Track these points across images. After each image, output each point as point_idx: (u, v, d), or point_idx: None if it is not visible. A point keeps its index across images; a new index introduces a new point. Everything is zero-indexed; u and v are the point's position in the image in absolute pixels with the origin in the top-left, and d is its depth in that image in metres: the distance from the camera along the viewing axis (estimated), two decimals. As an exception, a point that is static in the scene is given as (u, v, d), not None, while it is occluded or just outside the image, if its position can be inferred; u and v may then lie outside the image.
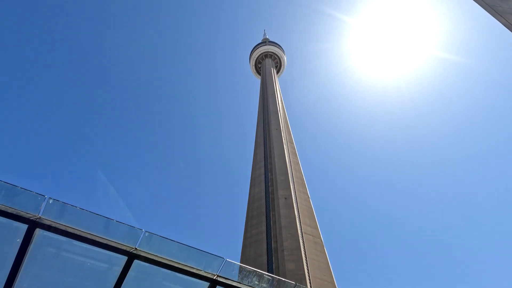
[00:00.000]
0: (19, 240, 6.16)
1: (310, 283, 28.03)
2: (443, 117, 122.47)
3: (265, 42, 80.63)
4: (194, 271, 6.63)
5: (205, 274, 6.71)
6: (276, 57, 79.13)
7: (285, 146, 46.54)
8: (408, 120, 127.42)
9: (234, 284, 6.76)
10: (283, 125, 52.10)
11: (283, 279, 7.45)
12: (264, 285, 6.97)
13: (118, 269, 6.78)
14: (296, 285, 7.11)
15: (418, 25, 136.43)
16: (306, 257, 31.08)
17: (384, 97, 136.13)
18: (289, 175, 42.20)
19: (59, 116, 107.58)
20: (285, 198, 38.45)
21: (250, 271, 7.01)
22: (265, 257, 31.92)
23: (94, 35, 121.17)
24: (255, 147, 50.19)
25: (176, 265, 6.57)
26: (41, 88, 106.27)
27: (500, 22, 18.37)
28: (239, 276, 6.93)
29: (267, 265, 30.26)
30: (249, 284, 6.84)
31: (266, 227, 35.90)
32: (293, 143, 49.83)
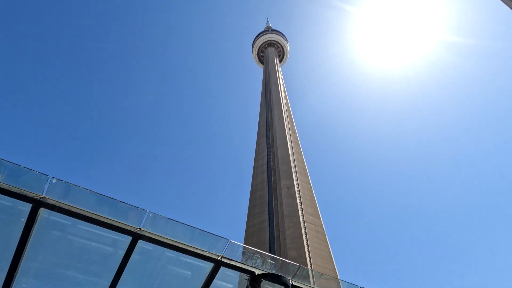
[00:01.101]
0: (24, 220, 6.16)
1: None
2: (456, 105, 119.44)
3: (268, 30, 79.50)
4: (199, 251, 6.64)
5: (209, 255, 6.71)
6: (279, 46, 78.14)
7: (287, 136, 46.37)
8: (416, 108, 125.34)
9: (238, 265, 6.77)
10: (285, 114, 51.82)
11: (286, 260, 7.46)
12: (268, 266, 6.98)
13: (123, 250, 6.80)
14: (300, 266, 7.12)
15: (423, 10, 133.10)
16: (308, 246, 31.35)
17: (391, 86, 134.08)
18: (292, 164, 42.19)
19: (61, 106, 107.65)
20: (288, 188, 38.55)
21: (254, 253, 7.02)
22: (267, 245, 32.22)
23: (97, 21, 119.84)
24: (257, 137, 50.06)
25: (180, 245, 6.57)
26: (40, 81, 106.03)
27: (508, 6, 17.92)
28: (243, 257, 6.94)
29: (270, 252, 30.56)
30: (253, 265, 6.85)
31: (269, 216, 36.13)
32: (295, 133, 49.64)
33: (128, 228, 6.44)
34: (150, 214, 6.45)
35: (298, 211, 34.27)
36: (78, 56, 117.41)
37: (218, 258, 6.77)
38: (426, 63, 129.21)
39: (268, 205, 37.06)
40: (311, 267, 28.04)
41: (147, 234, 6.46)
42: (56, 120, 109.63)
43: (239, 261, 6.87)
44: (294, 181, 38.65)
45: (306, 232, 32.63)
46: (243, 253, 7.12)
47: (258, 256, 7.07)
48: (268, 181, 40.09)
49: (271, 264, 7.37)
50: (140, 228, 6.50)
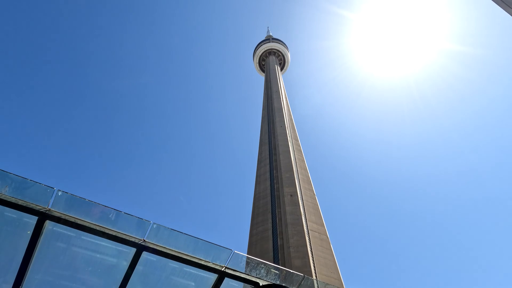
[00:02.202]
0: (30, 232, 6.23)
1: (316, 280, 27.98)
2: (457, 114, 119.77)
3: (269, 39, 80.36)
4: (202, 262, 6.65)
5: (213, 266, 6.72)
6: (280, 54, 78.86)
7: (290, 143, 46.42)
8: (417, 114, 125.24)
9: (242, 275, 6.76)
10: (287, 122, 51.97)
11: (291, 271, 7.43)
12: (272, 276, 6.96)
13: (127, 261, 6.83)
14: (304, 277, 7.08)
15: (424, 18, 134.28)
16: (312, 254, 31.04)
17: (391, 92, 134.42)
18: (295, 172, 42.11)
19: (64, 112, 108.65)
20: (291, 195, 38.39)
21: (258, 263, 7.00)
22: (271, 254, 31.94)
23: (96, 30, 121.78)
24: (259, 144, 50.15)
25: (184, 256, 6.59)
26: (40, 85, 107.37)
27: (509, 13, 18.05)
28: (247, 268, 6.93)
29: (274, 261, 30.27)
30: (257, 276, 6.84)
31: (272, 224, 35.90)
32: (298, 140, 49.68)
33: (133, 239, 6.48)
34: (154, 225, 6.50)
35: (301, 219, 34.05)
36: (82, 62, 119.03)
37: (222, 269, 6.77)
38: (425, 69, 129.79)
39: (271, 213, 36.87)
40: (315, 276, 27.72)
41: (151, 246, 6.50)
42: (58, 128, 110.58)
43: (243, 271, 6.86)
44: (297, 188, 38.51)
45: (310, 240, 32.36)
46: (247, 263, 7.11)
47: (262, 266, 7.06)
48: (271, 189, 39.96)
49: (275, 274, 7.35)
50: (144, 240, 6.54)
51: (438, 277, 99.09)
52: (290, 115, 55.53)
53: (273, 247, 32.82)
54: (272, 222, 36.15)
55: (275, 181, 41.29)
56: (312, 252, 31.17)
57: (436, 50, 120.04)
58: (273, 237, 34.22)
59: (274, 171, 42.75)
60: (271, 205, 38.39)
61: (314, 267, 28.91)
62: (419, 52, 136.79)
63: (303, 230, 32.99)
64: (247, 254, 34.82)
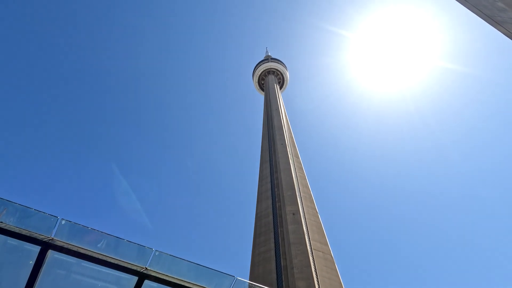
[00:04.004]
0: (32, 262, 6.22)
1: (322, 301, 27.19)
2: (451, 127, 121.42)
3: (268, 59, 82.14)
4: (205, 290, 6.57)
5: (216, 293, 6.64)
6: (279, 73, 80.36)
7: (291, 161, 46.42)
8: (415, 131, 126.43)
9: (245, 303, 6.66)
10: (288, 139, 52.21)
11: (294, 297, 7.30)
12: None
13: (129, 289, 6.75)
14: (308, 303, 6.96)
15: (418, 36, 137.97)
16: (317, 275, 30.30)
17: (389, 109, 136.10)
18: (296, 190, 41.84)
19: (63, 127, 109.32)
20: (293, 214, 37.95)
21: (261, 289, 6.92)
22: (274, 275, 31.21)
23: (99, 46, 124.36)
24: (260, 162, 50.13)
25: (186, 284, 6.52)
26: (45, 94, 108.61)
27: (501, 32, 18.57)
28: (250, 294, 6.83)
29: (277, 283, 29.53)
30: (261, 303, 6.73)
31: (275, 244, 35.28)
32: (298, 158, 49.69)
33: (134, 268, 6.45)
34: (157, 253, 6.48)
35: (304, 238, 33.49)
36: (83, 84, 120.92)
37: (225, 297, 6.68)
38: (421, 85, 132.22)
39: (274, 233, 36.29)
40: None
41: (153, 274, 6.46)
42: (59, 155, 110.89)
43: (246, 298, 6.76)
44: (299, 206, 38.12)
45: (314, 260, 31.68)
46: (250, 289, 7.02)
47: (265, 292, 6.95)
48: (273, 207, 39.55)
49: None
50: (146, 268, 6.50)
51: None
52: (290, 132, 55.85)
53: (277, 268, 32.09)
54: (275, 242, 35.54)
55: (276, 199, 40.95)
56: (316, 272, 30.45)
57: (430, 67, 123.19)
58: (276, 257, 33.53)
59: (276, 189, 42.50)
60: (273, 224, 37.86)
61: (319, 288, 28.13)
62: (414, 69, 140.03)
63: (307, 250, 32.37)
64: (250, 275, 33.97)
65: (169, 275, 6.50)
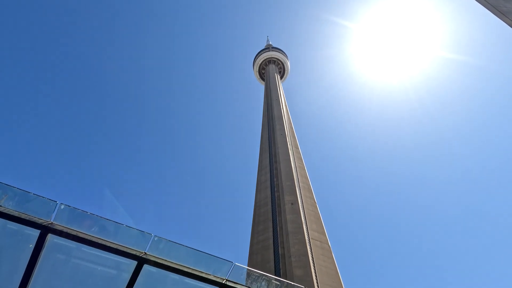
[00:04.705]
0: (32, 246, 6.27)
1: (318, 289, 27.71)
2: (453, 119, 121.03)
3: (269, 48, 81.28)
4: (204, 275, 6.66)
5: (214, 279, 6.73)
6: (280, 63, 79.64)
7: (290, 151, 46.47)
8: (417, 123, 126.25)
9: (243, 288, 6.77)
10: (288, 130, 52.13)
11: (292, 283, 7.42)
12: (273, 289, 6.96)
13: (128, 274, 6.84)
14: (305, 289, 7.08)
15: (421, 27, 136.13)
16: (314, 263, 30.78)
17: (391, 100, 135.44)
18: (295, 180, 42.04)
19: (60, 124, 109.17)
20: (292, 204, 38.26)
21: (259, 275, 7.01)
22: (272, 263, 31.69)
23: (96, 41, 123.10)
24: (260, 152, 50.23)
25: (185, 269, 6.61)
26: (44, 93, 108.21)
27: (505, 22, 18.29)
28: (248, 280, 6.93)
29: (275, 271, 30.01)
30: (258, 288, 6.84)
31: (273, 233, 35.71)
32: (298, 148, 49.74)
33: (134, 252, 6.51)
34: (156, 238, 6.54)
35: (303, 228, 33.87)
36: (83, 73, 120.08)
37: (223, 282, 6.78)
38: (423, 76, 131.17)
39: (272, 222, 36.69)
40: (317, 286, 27.44)
41: (152, 259, 6.53)
42: (59, 141, 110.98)
43: (244, 284, 6.86)
44: (298, 196, 38.41)
45: (311, 249, 32.12)
46: (248, 275, 7.12)
47: (264, 278, 7.06)
48: (271, 197, 39.87)
49: (277, 286, 7.34)
50: (145, 253, 6.57)
51: (444, 283, 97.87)
52: (290, 123, 55.77)
53: (274, 257, 32.56)
54: (273, 231, 35.95)
55: (275, 189, 41.22)
56: (313, 261, 30.91)
57: (431, 57, 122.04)
58: (274, 246, 33.99)
59: (275, 179, 42.72)
60: (272, 214, 38.23)
61: (316, 276, 28.63)
62: (416, 59, 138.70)
63: (304, 239, 32.79)
64: (248, 263, 34.53)
65: (168, 260, 6.58)
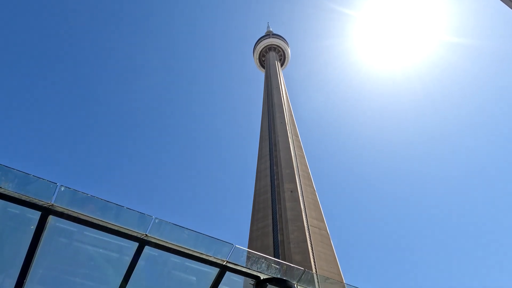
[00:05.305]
0: (33, 227, 6.29)
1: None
2: (460, 107, 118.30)
3: (269, 34, 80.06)
4: (204, 257, 6.73)
5: (214, 260, 6.80)
6: (280, 50, 78.60)
7: (290, 139, 46.45)
8: (420, 109, 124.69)
9: (244, 269, 6.85)
10: (288, 118, 51.95)
11: (291, 265, 7.51)
12: (273, 271, 7.05)
13: (129, 256, 6.90)
14: (305, 271, 7.17)
15: (424, 10, 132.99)
16: (312, 250, 31.23)
17: (393, 87, 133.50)
18: (295, 168, 42.18)
19: (59, 110, 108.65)
20: (291, 192, 38.52)
21: (259, 257, 7.09)
22: (271, 249, 32.15)
23: (92, 26, 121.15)
24: (260, 140, 50.20)
25: (186, 251, 6.66)
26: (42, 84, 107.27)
27: (509, 7, 17.93)
28: (248, 262, 7.01)
29: (274, 257, 30.50)
30: (258, 270, 6.92)
31: (273, 220, 36.09)
32: (298, 136, 49.69)
33: (135, 234, 6.55)
34: (156, 220, 6.57)
35: (302, 215, 34.21)
36: (82, 57, 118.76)
37: (224, 263, 6.85)
38: (427, 63, 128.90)
39: (272, 209, 37.05)
40: (316, 271, 27.93)
41: (153, 240, 6.57)
42: (59, 125, 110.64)
43: (244, 266, 6.94)
44: (298, 184, 38.63)
45: (310, 236, 32.54)
46: (248, 257, 7.19)
47: (263, 260, 7.14)
48: (271, 185, 40.11)
49: (276, 268, 7.43)
50: (146, 234, 6.61)
51: (438, 273, 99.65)
52: (290, 111, 55.50)
53: (274, 243, 33.01)
54: (273, 218, 36.32)
55: (275, 177, 41.41)
56: (312, 247, 31.36)
57: (436, 42, 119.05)
58: (273, 233, 34.41)
59: (275, 167, 42.85)
60: (272, 201, 38.55)
61: (314, 262, 29.10)
62: (419, 45, 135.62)
63: (304, 226, 33.15)
64: (248, 249, 35.10)
65: (169, 241, 6.63)
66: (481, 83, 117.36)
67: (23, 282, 6.69)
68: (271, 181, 40.97)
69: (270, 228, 34.86)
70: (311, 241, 31.87)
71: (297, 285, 6.93)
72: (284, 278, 6.82)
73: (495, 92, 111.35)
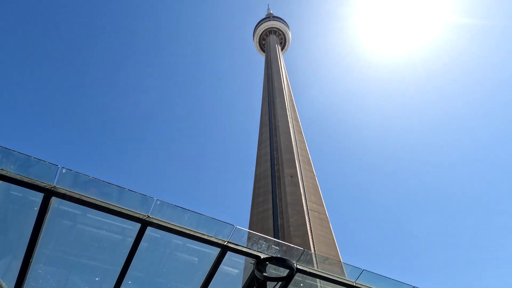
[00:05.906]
0: (36, 209, 6.37)
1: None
2: (463, 89, 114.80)
3: (269, 17, 78.30)
4: (206, 237, 6.84)
5: (216, 240, 6.92)
6: (281, 33, 77.10)
7: (290, 124, 46.32)
8: (423, 94, 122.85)
9: (244, 249, 6.99)
10: (288, 103, 51.60)
11: (291, 245, 7.66)
12: (273, 251, 7.19)
13: (132, 237, 7.02)
14: (304, 251, 7.32)
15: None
16: (311, 233, 31.76)
17: (396, 72, 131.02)
18: (295, 153, 42.27)
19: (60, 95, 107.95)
20: (291, 176, 38.78)
21: (259, 238, 7.22)
22: (271, 233, 32.70)
23: (92, 13, 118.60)
24: (260, 126, 50.06)
25: (187, 231, 6.77)
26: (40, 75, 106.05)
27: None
28: (248, 242, 7.14)
29: (274, 240, 31.09)
30: (259, 250, 7.07)
31: (273, 205, 36.53)
32: (298, 121, 49.53)
33: (137, 215, 6.63)
34: (158, 202, 6.63)
35: (301, 199, 34.60)
36: (83, 53, 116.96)
37: (225, 243, 6.97)
38: (432, 46, 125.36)
39: (272, 194, 37.43)
40: (315, 254, 28.53)
41: (155, 221, 6.66)
42: (61, 112, 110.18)
43: (245, 246, 7.08)
44: (298, 169, 38.86)
45: (309, 220, 33.03)
46: (249, 238, 7.32)
47: (263, 241, 7.27)
48: (271, 170, 40.35)
49: (276, 249, 7.57)
50: (148, 216, 6.69)
51: (437, 255, 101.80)
52: (290, 96, 55.06)
53: (274, 226, 33.54)
54: (273, 202, 36.74)
55: (275, 162, 41.58)
56: (311, 230, 31.89)
57: (441, 24, 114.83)
58: (273, 216, 34.91)
59: (275, 152, 42.95)
60: (272, 186, 38.88)
61: (313, 245, 29.69)
62: (424, 27, 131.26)
63: (303, 210, 33.59)
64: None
65: (170, 222, 6.72)
66: (490, 67, 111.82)
67: (29, 262, 6.84)
68: (271, 166, 41.17)
69: (270, 212, 35.34)
70: (310, 225, 32.38)
71: (296, 264, 7.09)
72: (284, 257, 6.97)
73: (506, 76, 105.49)
